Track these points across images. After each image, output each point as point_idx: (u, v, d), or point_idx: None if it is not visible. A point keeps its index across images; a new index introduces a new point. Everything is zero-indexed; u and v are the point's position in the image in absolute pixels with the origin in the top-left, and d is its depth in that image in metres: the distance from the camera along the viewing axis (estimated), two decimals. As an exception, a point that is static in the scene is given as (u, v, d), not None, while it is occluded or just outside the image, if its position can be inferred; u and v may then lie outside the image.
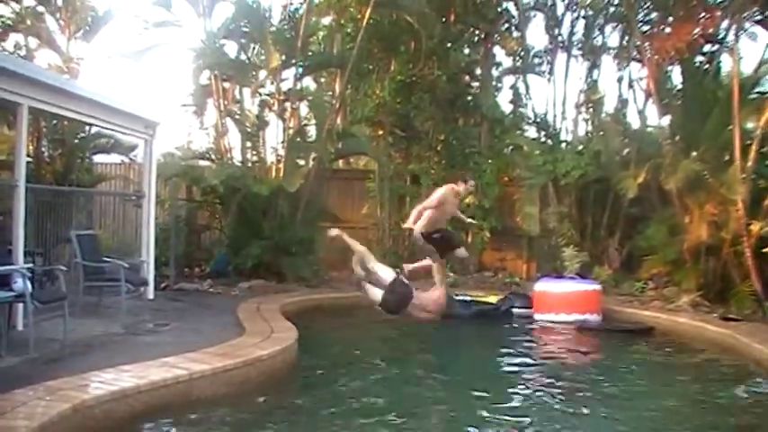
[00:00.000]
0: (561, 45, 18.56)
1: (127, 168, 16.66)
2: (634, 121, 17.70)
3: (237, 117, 16.60)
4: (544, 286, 13.23)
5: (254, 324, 9.60)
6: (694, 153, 13.86)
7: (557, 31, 18.60)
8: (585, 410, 7.15)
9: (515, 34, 19.30)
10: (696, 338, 11.13)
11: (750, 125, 13.86)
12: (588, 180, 16.25)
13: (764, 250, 12.47)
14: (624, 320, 12.69)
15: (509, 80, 19.53)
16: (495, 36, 19.09)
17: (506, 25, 19.41)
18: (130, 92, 26.13)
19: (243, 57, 16.95)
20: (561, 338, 11.68)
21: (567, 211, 16.58)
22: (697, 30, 13.82)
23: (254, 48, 16.95)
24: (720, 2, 14.76)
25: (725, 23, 14.71)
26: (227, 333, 8.90)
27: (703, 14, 14.37)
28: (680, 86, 16.01)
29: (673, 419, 7.06)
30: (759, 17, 14.29)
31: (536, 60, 19.11)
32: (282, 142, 16.16)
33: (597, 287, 13.16)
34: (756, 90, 14.60)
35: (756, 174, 13.09)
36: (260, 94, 16.80)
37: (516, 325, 12.63)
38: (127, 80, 32.38)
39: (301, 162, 16.22)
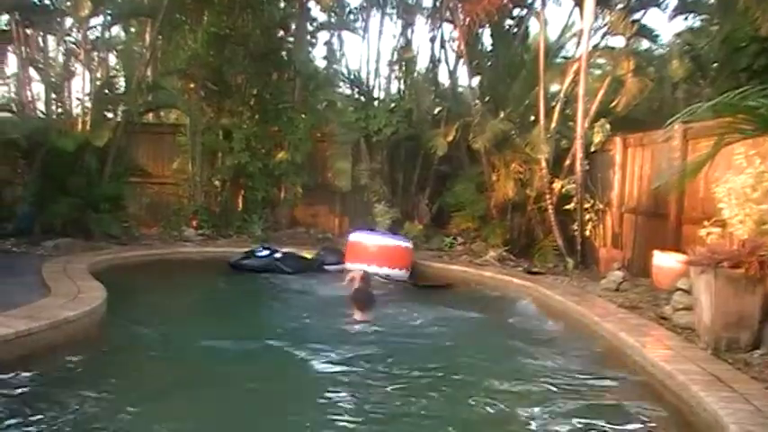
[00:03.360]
0: (376, 3, 18.59)
1: None
2: (445, 80, 18.16)
3: (41, 66, 15.51)
4: (357, 237, 13.36)
5: (60, 284, 9.08)
6: (502, 113, 14.42)
7: (372, -11, 18.59)
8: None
9: (331, -11, 19.12)
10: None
11: (554, 88, 14.61)
12: (400, 137, 16.48)
13: (565, 207, 13.22)
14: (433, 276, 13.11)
15: (324, 36, 19.43)
16: (311, -10, 18.85)
17: (323, -21, 19.17)
18: None
19: (47, 1, 15.81)
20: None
21: (378, 167, 16.74)
22: (507, -6, 14.26)
23: (59, -9, 15.85)
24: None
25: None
26: (32, 294, 8.31)
27: (513, -21, 14.87)
28: (490, 49, 16.56)
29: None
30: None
31: (351, 17, 19.11)
32: (89, 94, 15.31)
33: (408, 244, 13.42)
34: (561, 55, 15.39)
35: (559, 134, 13.81)
36: (66, 43, 15.79)
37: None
38: None
39: (109, 115, 15.44)
